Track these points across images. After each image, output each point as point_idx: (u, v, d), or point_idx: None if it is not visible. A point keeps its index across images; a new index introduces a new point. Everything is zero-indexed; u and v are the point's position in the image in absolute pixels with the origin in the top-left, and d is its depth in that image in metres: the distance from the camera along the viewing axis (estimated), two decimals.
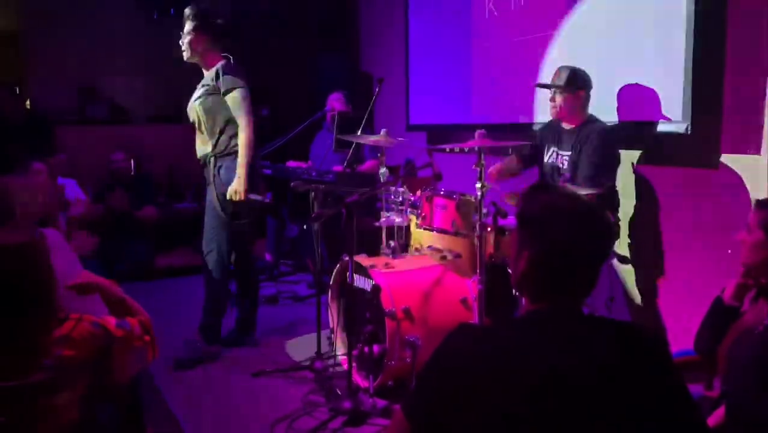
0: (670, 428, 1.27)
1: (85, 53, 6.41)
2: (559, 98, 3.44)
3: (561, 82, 3.41)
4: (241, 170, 3.66)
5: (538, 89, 4.00)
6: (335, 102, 4.99)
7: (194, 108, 3.80)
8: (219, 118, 3.73)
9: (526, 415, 1.22)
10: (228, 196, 3.69)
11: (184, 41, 3.75)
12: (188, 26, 3.72)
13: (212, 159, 3.77)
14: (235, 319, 4.00)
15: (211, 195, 3.79)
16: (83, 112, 6.55)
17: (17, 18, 6.50)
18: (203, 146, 3.83)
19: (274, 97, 6.31)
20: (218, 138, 3.74)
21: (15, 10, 6.48)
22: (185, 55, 3.78)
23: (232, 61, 3.82)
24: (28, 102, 6.44)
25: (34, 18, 6.26)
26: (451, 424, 1.27)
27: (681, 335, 3.37)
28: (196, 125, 3.84)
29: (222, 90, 3.69)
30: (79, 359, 1.56)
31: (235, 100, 3.69)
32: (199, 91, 3.80)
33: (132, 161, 6.11)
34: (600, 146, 3.32)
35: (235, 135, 3.72)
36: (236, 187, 3.66)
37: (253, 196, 3.71)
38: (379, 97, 4.16)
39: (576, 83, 3.41)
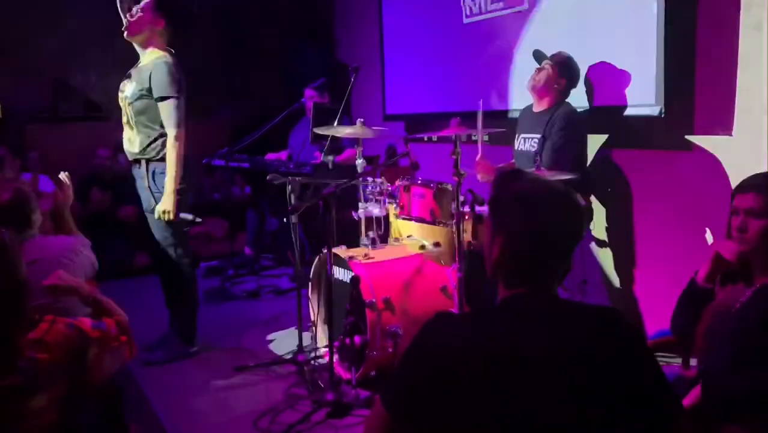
0: (646, 410, 1.29)
1: (58, 49, 6.27)
2: (543, 72, 3.45)
3: (555, 58, 3.43)
4: (169, 187, 3.41)
5: (513, 78, 4.01)
6: (310, 100, 4.93)
7: (124, 104, 3.53)
8: (152, 123, 3.48)
9: (503, 401, 1.23)
10: (156, 216, 3.47)
11: (133, 16, 3.42)
12: (144, 1, 3.42)
13: (144, 162, 3.53)
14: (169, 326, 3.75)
15: (148, 202, 3.55)
16: (56, 110, 6.43)
17: None
18: (131, 146, 3.57)
19: (251, 88, 6.26)
20: (150, 143, 3.49)
21: None
22: (126, 32, 3.45)
23: (172, 57, 3.51)
24: None
25: (4, 13, 6.12)
26: (428, 411, 1.27)
27: (656, 316, 3.41)
28: (124, 120, 3.57)
29: (154, 96, 3.43)
30: (54, 361, 1.54)
31: (165, 109, 3.42)
32: (130, 87, 3.50)
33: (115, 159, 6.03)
34: (563, 128, 3.33)
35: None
36: (165, 207, 3.43)
37: (183, 215, 3.48)
38: (355, 88, 4.12)
39: (567, 69, 3.44)
